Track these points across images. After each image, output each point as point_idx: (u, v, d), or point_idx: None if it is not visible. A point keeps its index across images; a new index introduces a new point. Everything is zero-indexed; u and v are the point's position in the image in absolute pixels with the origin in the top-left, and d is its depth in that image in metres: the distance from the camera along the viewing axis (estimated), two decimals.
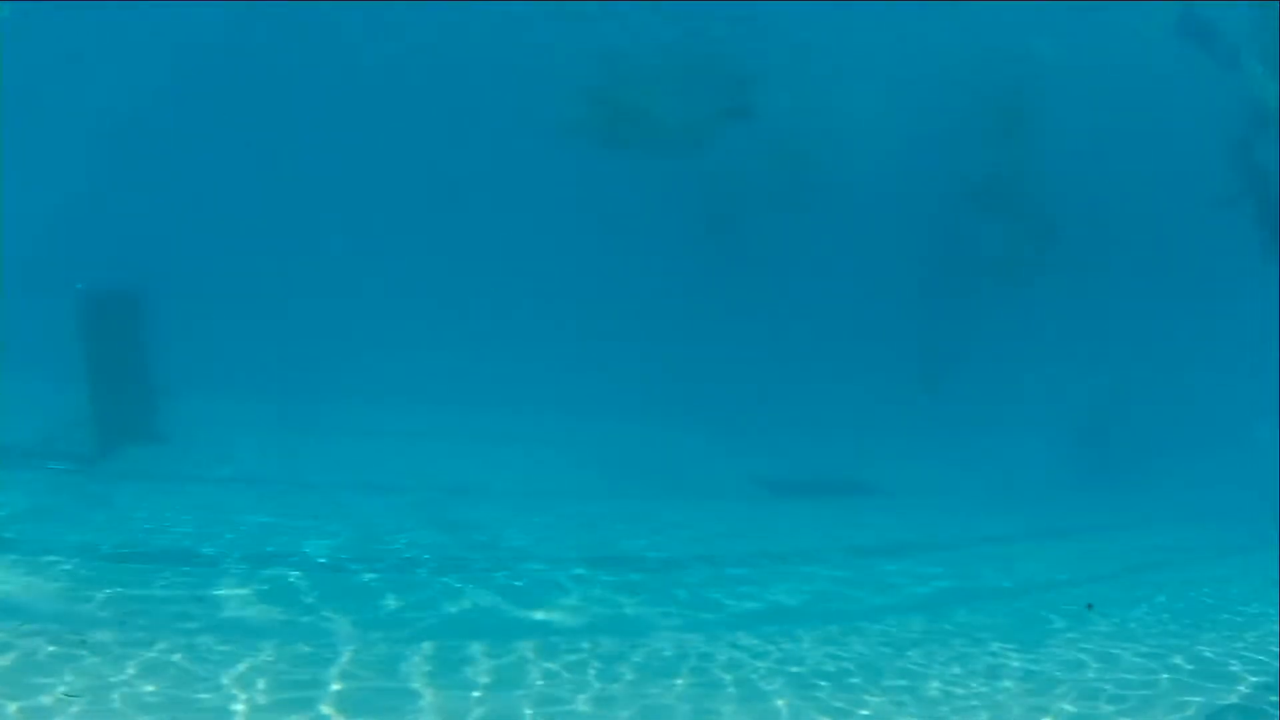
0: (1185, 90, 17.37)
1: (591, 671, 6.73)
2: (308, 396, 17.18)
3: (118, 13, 19.67)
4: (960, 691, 6.71)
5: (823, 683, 6.80)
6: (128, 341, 13.96)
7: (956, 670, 7.15)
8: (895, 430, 18.33)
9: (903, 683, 6.87)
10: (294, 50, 20.46)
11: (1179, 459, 17.42)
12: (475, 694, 6.22)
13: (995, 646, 7.79)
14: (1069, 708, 6.48)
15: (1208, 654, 7.73)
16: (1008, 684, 6.91)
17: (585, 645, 7.24)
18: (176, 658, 6.36)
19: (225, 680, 6.09)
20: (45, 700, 5.57)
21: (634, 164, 18.56)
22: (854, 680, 6.86)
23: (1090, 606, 8.72)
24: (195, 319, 16.62)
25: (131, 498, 11.00)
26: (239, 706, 5.76)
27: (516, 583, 8.86)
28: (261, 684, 6.08)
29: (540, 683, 6.49)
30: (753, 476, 15.89)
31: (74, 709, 5.50)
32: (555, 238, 20.06)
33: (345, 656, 6.67)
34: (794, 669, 7.05)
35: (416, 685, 6.29)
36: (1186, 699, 6.68)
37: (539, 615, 7.98)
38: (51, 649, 6.25)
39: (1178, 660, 7.55)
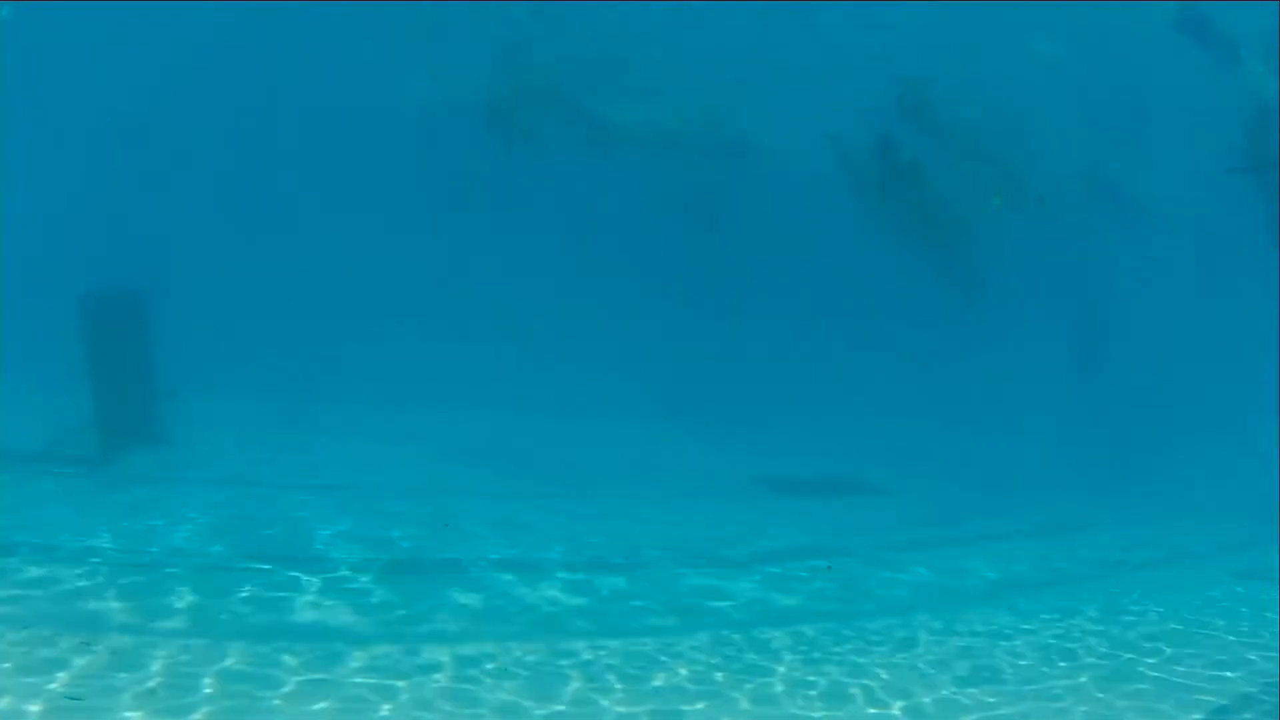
0: (1187, 83, 17.34)
1: None
2: (310, 397, 17.22)
3: (118, 13, 19.66)
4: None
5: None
6: (131, 343, 13.95)
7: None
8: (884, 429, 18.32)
9: None
10: (292, 51, 20.44)
11: (1176, 457, 17.38)
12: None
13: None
14: None
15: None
16: None
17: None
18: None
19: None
20: None
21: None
22: None
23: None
24: (198, 320, 16.66)
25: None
26: None
27: None
28: None
29: None
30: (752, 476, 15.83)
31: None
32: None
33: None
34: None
35: None
36: None
37: None
38: None
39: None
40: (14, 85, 19.79)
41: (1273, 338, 16.60)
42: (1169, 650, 8.22)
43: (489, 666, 6.92)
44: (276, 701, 6.12)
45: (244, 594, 8.03)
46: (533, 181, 19.35)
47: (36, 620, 6.98)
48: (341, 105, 20.34)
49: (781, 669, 7.29)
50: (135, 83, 20.32)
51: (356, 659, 6.87)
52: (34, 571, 8.05)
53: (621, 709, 6.41)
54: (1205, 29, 16.12)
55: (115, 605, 7.47)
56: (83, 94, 20.45)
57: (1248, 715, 6.87)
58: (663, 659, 7.29)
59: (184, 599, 7.77)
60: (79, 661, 6.34)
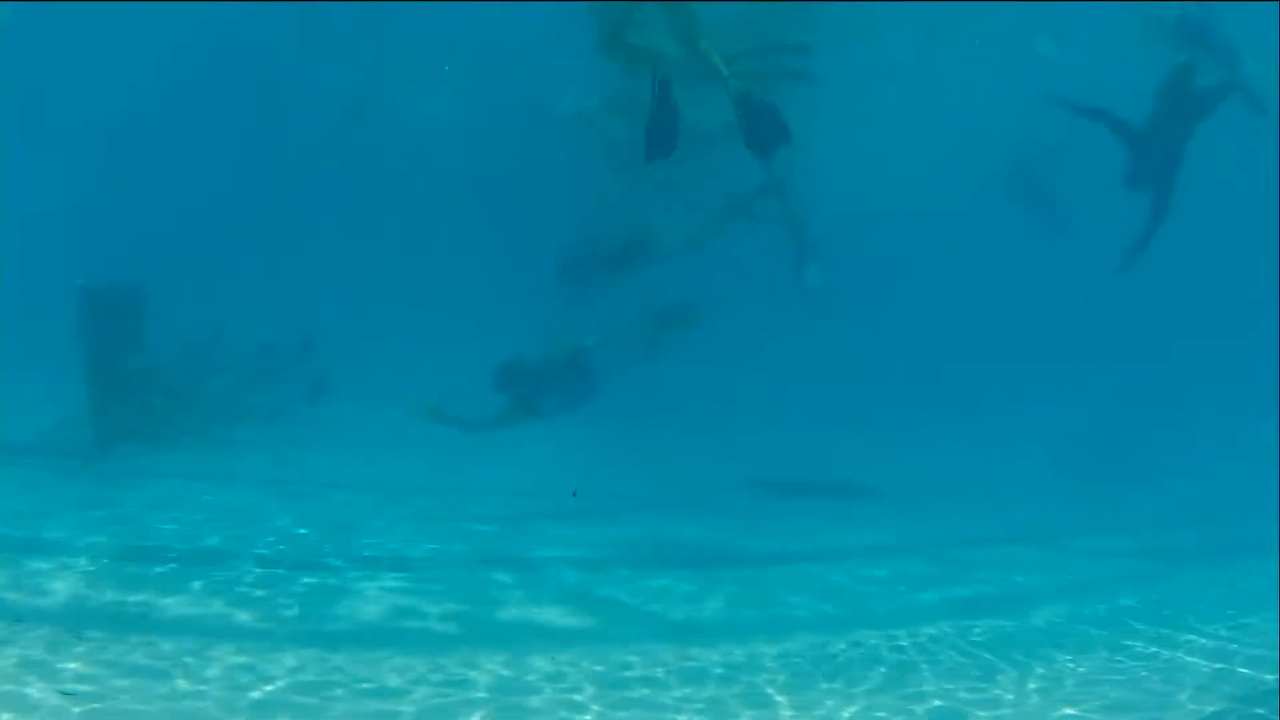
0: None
1: None
2: None
3: (117, 12, 19.66)
4: None
5: None
6: (128, 338, 13.84)
7: None
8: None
9: None
10: (291, 49, 20.45)
11: (1178, 460, 17.24)
12: None
13: None
14: None
15: None
16: None
17: None
18: None
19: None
20: None
21: None
22: None
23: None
24: (196, 314, 16.59)
25: None
26: None
27: None
28: None
29: None
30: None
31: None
32: None
33: None
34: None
35: None
36: None
37: None
38: None
39: None
40: (14, 84, 19.80)
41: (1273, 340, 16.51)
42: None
43: None
44: None
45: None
46: None
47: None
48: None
49: None
50: (135, 79, 20.34)
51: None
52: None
53: None
54: (1205, 31, 16.01)
55: None
56: (82, 91, 20.48)
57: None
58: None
59: None
60: None
